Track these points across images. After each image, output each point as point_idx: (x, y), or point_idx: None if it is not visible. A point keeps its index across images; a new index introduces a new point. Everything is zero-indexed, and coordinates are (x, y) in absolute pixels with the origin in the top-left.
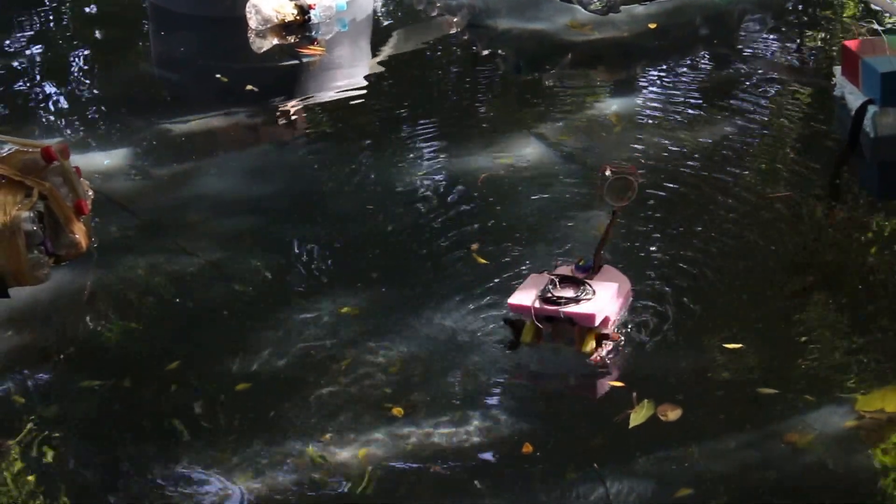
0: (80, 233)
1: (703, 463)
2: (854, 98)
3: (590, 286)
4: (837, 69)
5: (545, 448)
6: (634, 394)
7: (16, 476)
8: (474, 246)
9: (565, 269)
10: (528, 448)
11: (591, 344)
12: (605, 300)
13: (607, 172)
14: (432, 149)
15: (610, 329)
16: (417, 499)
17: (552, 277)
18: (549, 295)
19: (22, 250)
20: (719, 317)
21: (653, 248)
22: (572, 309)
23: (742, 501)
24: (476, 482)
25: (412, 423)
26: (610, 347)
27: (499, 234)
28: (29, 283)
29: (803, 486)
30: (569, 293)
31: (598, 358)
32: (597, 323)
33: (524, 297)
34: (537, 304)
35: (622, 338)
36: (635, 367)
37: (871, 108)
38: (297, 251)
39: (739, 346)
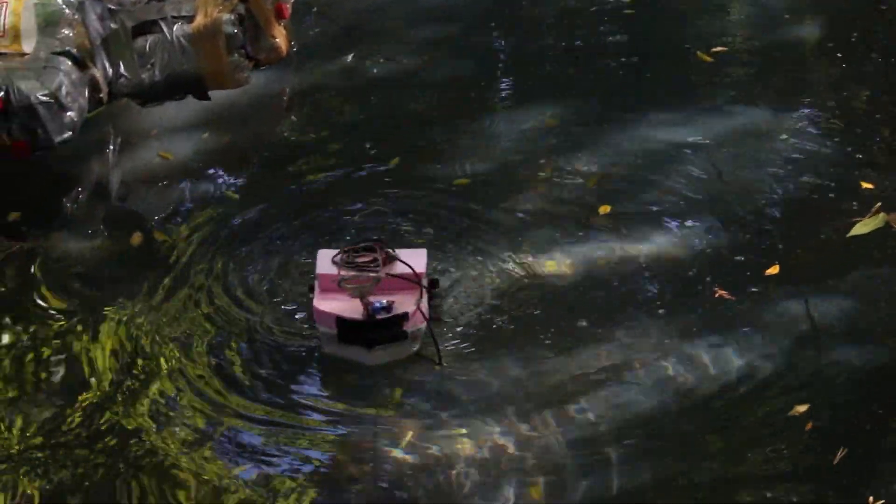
0: (280, 37)
1: None
2: None
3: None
4: None
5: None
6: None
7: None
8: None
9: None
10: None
11: None
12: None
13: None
14: None
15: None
16: (620, 312)
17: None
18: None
19: (223, 52)
20: None
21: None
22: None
23: None
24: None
25: (614, 238)
26: None
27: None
28: (229, 85)
29: None
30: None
31: None
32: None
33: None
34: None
35: None
36: None
37: None
38: (494, 59)
39: None
